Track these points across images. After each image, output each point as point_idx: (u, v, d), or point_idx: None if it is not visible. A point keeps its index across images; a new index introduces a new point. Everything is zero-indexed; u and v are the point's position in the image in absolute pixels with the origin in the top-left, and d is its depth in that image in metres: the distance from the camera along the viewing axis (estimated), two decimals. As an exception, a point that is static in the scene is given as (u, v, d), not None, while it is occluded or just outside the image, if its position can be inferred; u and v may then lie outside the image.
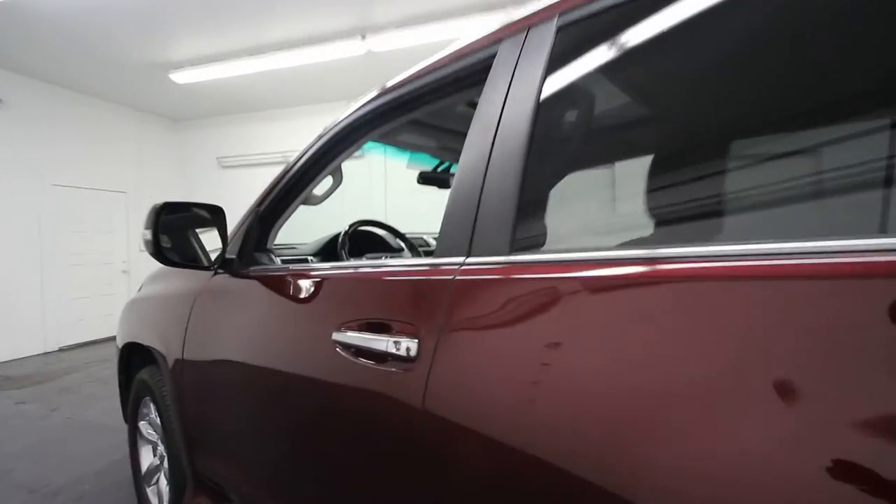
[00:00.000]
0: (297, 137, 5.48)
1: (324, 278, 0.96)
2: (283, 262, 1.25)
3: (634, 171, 0.61)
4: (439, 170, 1.62)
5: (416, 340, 0.69)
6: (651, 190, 0.60)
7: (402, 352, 0.69)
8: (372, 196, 5.29)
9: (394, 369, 0.72)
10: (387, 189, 5.30)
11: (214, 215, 1.16)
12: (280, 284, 1.05)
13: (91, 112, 5.37)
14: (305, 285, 0.98)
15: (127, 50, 4.17)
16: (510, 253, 0.63)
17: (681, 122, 0.60)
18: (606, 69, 0.64)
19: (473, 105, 1.32)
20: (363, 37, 3.87)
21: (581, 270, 0.55)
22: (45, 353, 4.84)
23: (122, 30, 3.79)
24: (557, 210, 0.66)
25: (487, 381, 0.59)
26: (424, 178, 1.61)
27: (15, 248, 4.65)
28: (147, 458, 1.71)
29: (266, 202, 1.19)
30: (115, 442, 2.50)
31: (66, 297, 5.07)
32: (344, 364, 0.80)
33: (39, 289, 4.83)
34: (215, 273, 1.26)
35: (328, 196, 1.26)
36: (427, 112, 0.99)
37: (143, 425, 1.71)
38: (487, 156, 0.69)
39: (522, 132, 0.65)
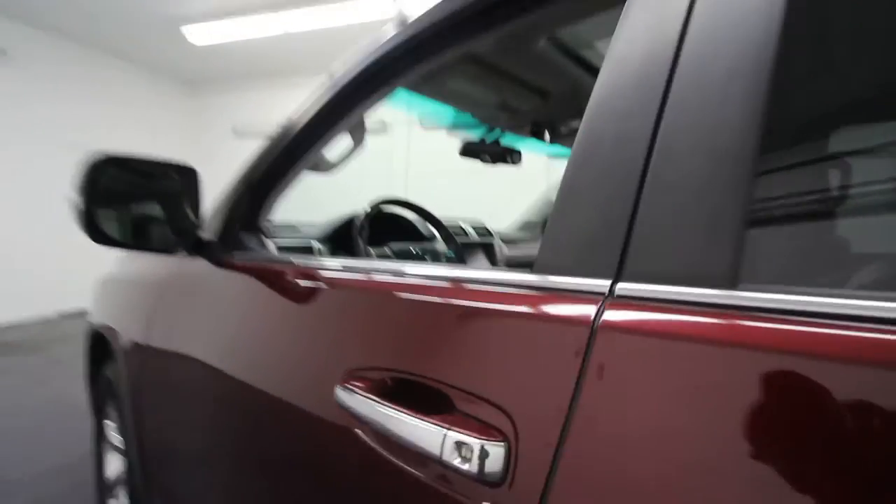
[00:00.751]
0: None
1: (329, 282, 0.63)
2: (280, 249, 0.93)
3: None
4: (488, 139, 1.26)
5: (504, 444, 0.35)
6: None
7: (472, 465, 0.35)
8: (392, 171, 4.92)
9: (450, 493, 0.37)
10: (409, 162, 4.92)
11: (184, 178, 0.82)
12: (268, 283, 0.73)
13: (103, 72, 5.16)
14: (302, 289, 0.65)
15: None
16: (735, 284, 0.29)
17: None
18: None
19: (554, 40, 0.98)
20: (394, -5, 3.50)
21: None
22: (61, 315, 4.75)
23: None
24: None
25: None
26: (468, 150, 1.25)
27: (26, 211, 4.48)
28: (113, 464, 1.44)
29: (261, 165, 0.87)
30: (97, 429, 2.26)
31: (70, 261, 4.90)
32: (351, 446, 0.47)
33: (53, 251, 4.67)
34: (190, 255, 0.95)
35: (345, 160, 0.92)
36: (487, 47, 0.65)
37: (108, 425, 1.44)
38: (662, 95, 0.35)
39: (750, 48, 0.31)
